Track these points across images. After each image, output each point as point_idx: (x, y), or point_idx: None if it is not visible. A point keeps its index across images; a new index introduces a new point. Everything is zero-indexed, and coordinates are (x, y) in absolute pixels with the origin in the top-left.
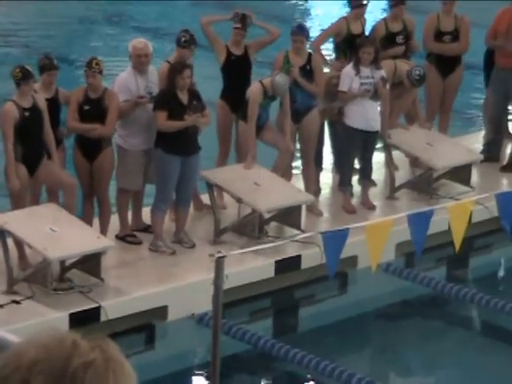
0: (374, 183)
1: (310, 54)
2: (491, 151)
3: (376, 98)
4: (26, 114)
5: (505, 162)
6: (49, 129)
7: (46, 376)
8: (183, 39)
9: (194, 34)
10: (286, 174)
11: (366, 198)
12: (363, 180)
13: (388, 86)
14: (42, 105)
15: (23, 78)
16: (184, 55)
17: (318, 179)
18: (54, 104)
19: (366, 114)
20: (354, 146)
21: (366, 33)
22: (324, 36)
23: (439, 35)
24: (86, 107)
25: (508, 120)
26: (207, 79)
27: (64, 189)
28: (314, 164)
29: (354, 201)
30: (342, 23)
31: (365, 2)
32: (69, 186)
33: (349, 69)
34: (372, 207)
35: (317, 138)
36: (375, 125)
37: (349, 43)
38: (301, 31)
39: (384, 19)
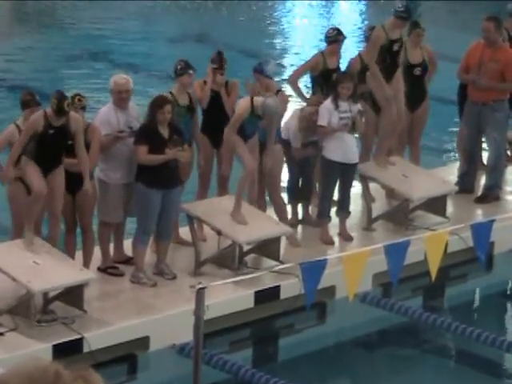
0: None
1: (279, 91)
2: (466, 183)
3: (354, 131)
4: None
5: (479, 193)
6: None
7: None
8: (179, 67)
9: (188, 60)
10: (261, 204)
11: (344, 229)
12: (341, 211)
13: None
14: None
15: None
16: (184, 82)
17: (296, 211)
18: None
19: (344, 147)
20: (333, 179)
21: (343, 67)
22: (301, 70)
23: (409, 68)
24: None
25: (481, 152)
26: None
27: (50, 217)
28: (278, 196)
29: (332, 232)
30: (319, 58)
31: (341, 38)
32: (54, 215)
33: (328, 104)
34: (349, 238)
35: (279, 171)
36: (353, 157)
37: (325, 78)
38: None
39: (359, 54)
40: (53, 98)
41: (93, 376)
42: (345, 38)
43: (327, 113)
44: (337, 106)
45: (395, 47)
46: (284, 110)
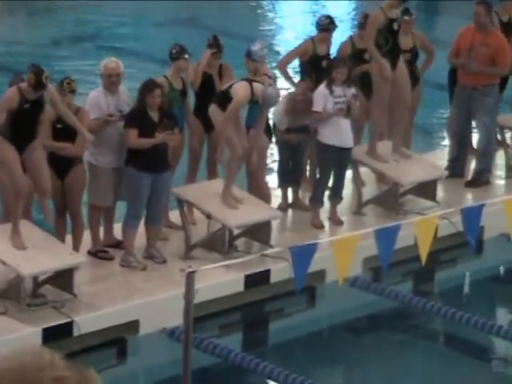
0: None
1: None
2: (456, 167)
3: (348, 116)
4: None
5: (469, 177)
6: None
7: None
8: (174, 51)
9: (183, 45)
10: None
11: (335, 214)
12: (334, 197)
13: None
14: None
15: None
16: (179, 67)
17: (286, 195)
18: None
19: (340, 132)
20: (330, 164)
21: (332, 55)
22: (290, 56)
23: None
24: (59, 125)
25: (472, 137)
26: None
27: (40, 196)
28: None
29: (321, 216)
30: (309, 44)
31: (332, 27)
32: (43, 192)
33: (322, 89)
34: (340, 223)
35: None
36: (349, 142)
37: (314, 64)
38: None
39: (351, 38)
40: (30, 73)
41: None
42: (336, 27)
43: (322, 98)
44: (331, 92)
45: (395, 26)
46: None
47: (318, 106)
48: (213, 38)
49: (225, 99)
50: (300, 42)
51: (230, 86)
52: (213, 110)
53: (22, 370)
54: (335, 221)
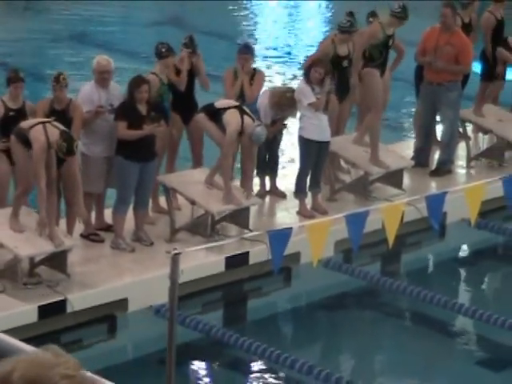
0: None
1: (254, 69)
2: (421, 157)
3: (326, 111)
4: (12, 113)
5: (433, 167)
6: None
7: (27, 377)
8: (163, 50)
9: (169, 44)
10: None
11: (318, 204)
12: (314, 187)
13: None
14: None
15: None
16: (167, 64)
17: (264, 183)
18: (20, 114)
19: (320, 126)
20: (311, 157)
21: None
22: (315, 57)
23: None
24: (52, 117)
25: (436, 129)
26: None
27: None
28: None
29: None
30: (329, 45)
31: (353, 30)
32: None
33: (304, 85)
34: (324, 212)
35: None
36: (328, 135)
37: (335, 64)
38: (248, 50)
39: (332, 39)
40: (62, 141)
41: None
42: (357, 29)
43: (309, 92)
44: (312, 89)
45: (390, 42)
46: (259, 89)
47: (310, 99)
48: (188, 38)
49: (215, 115)
50: (320, 42)
51: (222, 109)
52: (203, 119)
53: (38, 363)
54: (320, 211)
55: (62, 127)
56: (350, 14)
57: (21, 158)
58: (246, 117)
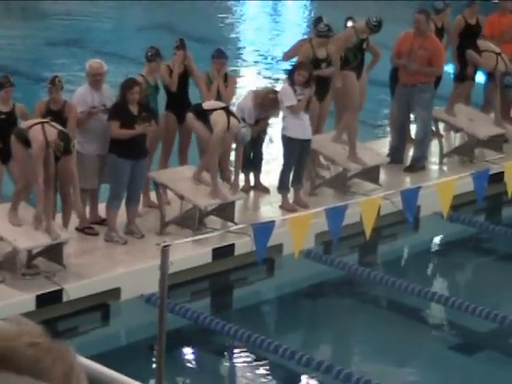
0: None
1: (225, 74)
2: (396, 154)
3: (308, 111)
4: (3, 116)
5: (408, 163)
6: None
7: None
8: (150, 54)
9: (159, 49)
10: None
11: (299, 198)
12: (297, 183)
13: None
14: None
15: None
16: (153, 68)
17: (249, 179)
18: (11, 116)
19: (303, 125)
20: (294, 154)
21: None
22: (292, 52)
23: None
24: (49, 118)
25: (410, 128)
26: None
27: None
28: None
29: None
30: (308, 46)
31: (331, 34)
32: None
33: (288, 88)
34: (306, 206)
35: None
36: (309, 134)
37: (315, 66)
38: (223, 55)
39: (310, 40)
40: (59, 140)
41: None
42: (334, 34)
43: (290, 94)
44: (295, 90)
45: (364, 45)
46: (233, 92)
47: (291, 101)
48: (180, 40)
49: (203, 115)
50: (298, 41)
51: (210, 110)
52: (191, 119)
53: (1, 336)
54: (302, 204)
55: (59, 127)
56: (320, 18)
57: (21, 156)
58: (232, 118)
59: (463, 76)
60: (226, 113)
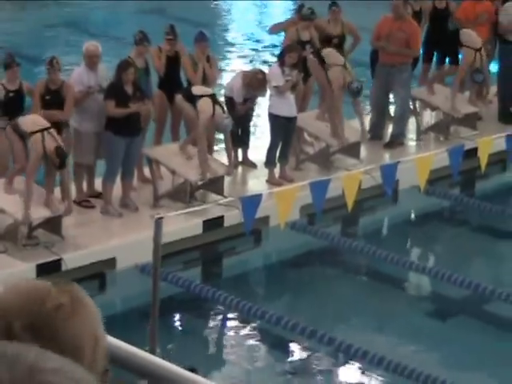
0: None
1: (208, 56)
2: (376, 131)
3: (294, 91)
4: (11, 94)
5: (387, 140)
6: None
7: (24, 319)
8: (137, 38)
9: (146, 33)
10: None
11: (285, 173)
12: (283, 158)
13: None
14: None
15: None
16: (140, 51)
17: (237, 155)
18: (18, 94)
19: (288, 104)
20: (280, 131)
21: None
22: (280, 26)
23: (328, 39)
24: (48, 97)
25: (389, 106)
26: None
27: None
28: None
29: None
30: (294, 32)
31: (313, 17)
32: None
33: (277, 68)
34: (291, 180)
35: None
36: (295, 112)
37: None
38: (206, 37)
39: (296, 29)
40: (56, 156)
41: (75, 289)
42: (316, 17)
43: (278, 76)
44: (283, 71)
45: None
46: (216, 71)
47: (278, 82)
48: (169, 27)
49: (191, 98)
50: (287, 19)
51: (198, 95)
52: (180, 100)
53: (26, 303)
54: (287, 179)
55: (58, 141)
56: (302, 5)
57: (16, 146)
58: (217, 107)
59: (430, 57)
60: (213, 101)
